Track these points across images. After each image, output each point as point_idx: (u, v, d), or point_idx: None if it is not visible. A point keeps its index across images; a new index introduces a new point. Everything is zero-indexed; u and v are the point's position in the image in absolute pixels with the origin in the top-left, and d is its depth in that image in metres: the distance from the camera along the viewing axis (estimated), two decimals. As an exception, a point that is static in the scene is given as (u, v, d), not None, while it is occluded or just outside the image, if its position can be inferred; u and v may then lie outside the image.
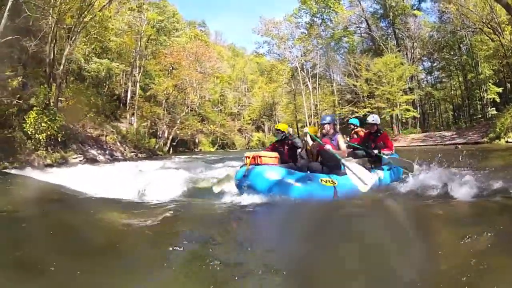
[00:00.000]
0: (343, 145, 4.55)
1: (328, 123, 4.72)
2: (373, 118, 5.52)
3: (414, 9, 32.17)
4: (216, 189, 4.73)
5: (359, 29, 36.73)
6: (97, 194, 4.78)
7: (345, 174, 4.44)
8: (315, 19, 35.92)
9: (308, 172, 4.42)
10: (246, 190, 4.10)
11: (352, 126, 6.54)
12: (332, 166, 4.47)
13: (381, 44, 32.71)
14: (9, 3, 8.66)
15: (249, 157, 4.37)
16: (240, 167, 4.52)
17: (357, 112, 30.76)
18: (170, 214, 3.39)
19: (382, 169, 5.24)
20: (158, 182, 5.78)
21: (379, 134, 5.47)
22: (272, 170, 4.12)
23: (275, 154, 4.61)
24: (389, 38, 33.75)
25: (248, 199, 3.97)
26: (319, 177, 4.22)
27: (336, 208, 3.92)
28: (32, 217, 3.31)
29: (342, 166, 4.48)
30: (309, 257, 2.30)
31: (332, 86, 37.85)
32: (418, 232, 2.66)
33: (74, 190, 5.13)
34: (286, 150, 4.88)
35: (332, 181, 4.22)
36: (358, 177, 4.23)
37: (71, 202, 4.36)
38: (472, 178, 4.13)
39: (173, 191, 5.13)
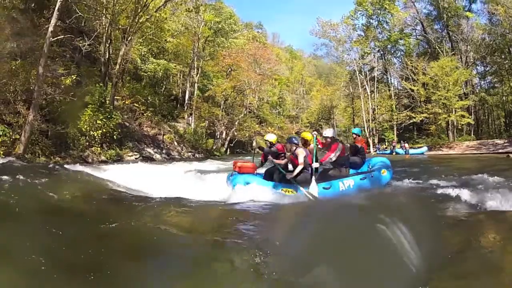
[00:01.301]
0: (300, 159, 5.17)
1: (290, 143, 5.55)
2: (325, 132, 6.02)
3: (466, 11, 31.24)
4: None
5: (415, 31, 36.34)
6: (152, 192, 5.00)
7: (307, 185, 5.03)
8: (371, 21, 36.11)
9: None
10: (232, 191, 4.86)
11: (354, 135, 6.94)
12: (299, 177, 5.16)
13: (436, 47, 32.11)
14: (58, 3, 8.91)
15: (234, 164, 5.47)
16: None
17: (414, 118, 30.53)
18: (223, 215, 3.64)
19: (354, 178, 5.56)
20: (215, 183, 6.11)
21: (331, 146, 5.76)
22: (244, 178, 5.09)
23: (252, 164, 5.65)
24: (444, 41, 33.07)
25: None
26: (282, 187, 5.02)
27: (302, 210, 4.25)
28: (86, 213, 3.43)
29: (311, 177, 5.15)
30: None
31: (389, 90, 37.39)
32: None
33: (128, 188, 5.40)
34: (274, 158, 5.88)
35: (292, 191, 4.98)
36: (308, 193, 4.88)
37: (125, 200, 4.43)
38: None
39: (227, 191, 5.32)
